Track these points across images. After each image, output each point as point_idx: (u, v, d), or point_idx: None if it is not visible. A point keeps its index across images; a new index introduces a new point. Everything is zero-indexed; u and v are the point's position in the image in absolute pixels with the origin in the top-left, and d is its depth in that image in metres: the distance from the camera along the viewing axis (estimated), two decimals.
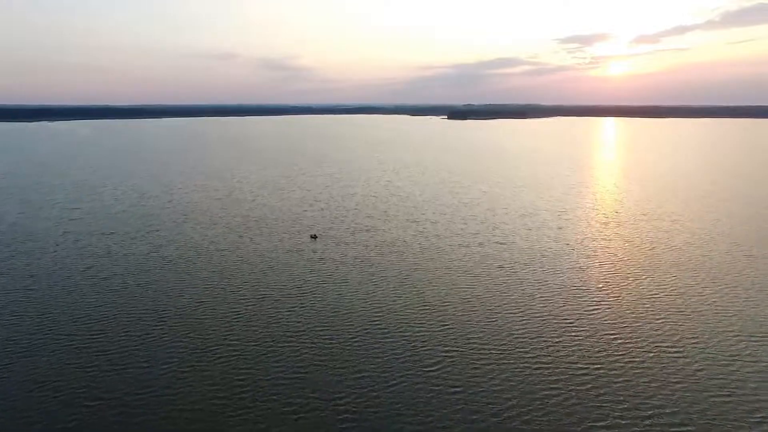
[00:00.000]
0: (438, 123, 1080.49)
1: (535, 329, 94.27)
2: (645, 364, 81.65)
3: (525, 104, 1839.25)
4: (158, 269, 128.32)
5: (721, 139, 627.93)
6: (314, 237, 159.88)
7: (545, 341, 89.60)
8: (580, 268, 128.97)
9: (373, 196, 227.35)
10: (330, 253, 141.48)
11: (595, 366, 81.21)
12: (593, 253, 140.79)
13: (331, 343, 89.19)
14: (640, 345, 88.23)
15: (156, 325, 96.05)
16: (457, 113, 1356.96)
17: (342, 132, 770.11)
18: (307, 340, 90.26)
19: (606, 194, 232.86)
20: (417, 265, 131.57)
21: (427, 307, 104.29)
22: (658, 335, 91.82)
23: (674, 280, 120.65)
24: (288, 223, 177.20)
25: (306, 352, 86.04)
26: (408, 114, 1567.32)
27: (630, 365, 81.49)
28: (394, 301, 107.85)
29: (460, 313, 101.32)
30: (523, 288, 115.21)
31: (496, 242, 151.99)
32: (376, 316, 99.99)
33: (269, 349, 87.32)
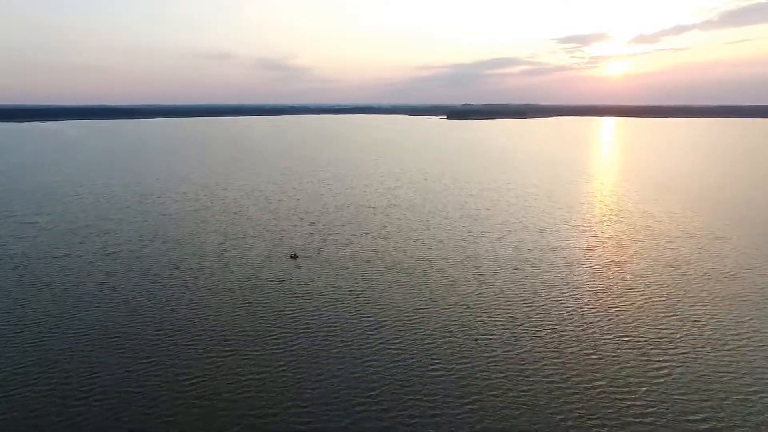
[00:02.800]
0: (437, 123, 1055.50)
1: (580, 400, 70.18)
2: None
3: (524, 104, 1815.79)
4: (106, 306, 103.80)
5: (729, 141, 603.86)
6: (295, 257, 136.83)
7: (593, 417, 65.58)
8: (624, 303, 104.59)
9: (371, 207, 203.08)
10: (316, 283, 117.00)
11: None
12: (635, 283, 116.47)
13: (310, 410, 65.18)
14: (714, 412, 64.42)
15: (95, 384, 71.79)
16: (457, 113, 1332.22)
17: (339, 132, 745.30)
18: (273, 419, 66.14)
19: (630, 203, 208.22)
20: (422, 300, 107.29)
21: (437, 363, 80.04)
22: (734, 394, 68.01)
23: (748, 322, 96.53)
24: (272, 242, 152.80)
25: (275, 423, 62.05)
26: (406, 114, 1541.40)
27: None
28: (393, 352, 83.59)
29: (478, 373, 77.13)
30: (557, 334, 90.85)
31: (517, 268, 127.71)
32: (370, 373, 75.80)
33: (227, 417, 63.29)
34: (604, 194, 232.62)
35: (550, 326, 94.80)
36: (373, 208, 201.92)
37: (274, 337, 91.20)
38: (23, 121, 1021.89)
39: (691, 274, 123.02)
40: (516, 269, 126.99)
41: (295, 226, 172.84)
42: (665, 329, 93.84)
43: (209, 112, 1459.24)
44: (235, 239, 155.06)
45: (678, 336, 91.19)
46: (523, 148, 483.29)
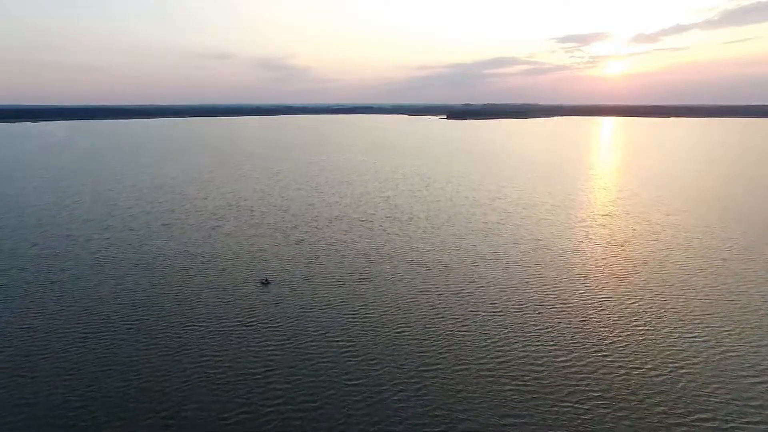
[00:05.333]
0: (438, 123, 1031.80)
1: None
2: None
3: (525, 104, 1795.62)
4: (32, 354, 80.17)
5: (740, 142, 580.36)
6: (266, 283, 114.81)
7: None
8: (683, 355, 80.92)
9: (367, 221, 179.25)
10: (291, 320, 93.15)
11: None
12: (690, 325, 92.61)
13: None
14: None
15: None
16: (457, 113, 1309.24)
17: (338, 133, 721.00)
18: None
19: (659, 215, 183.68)
20: (425, 354, 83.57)
21: None
22: None
23: None
24: (248, 266, 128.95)
25: None
26: (406, 114, 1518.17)
27: None
28: (388, 420, 60.05)
29: None
30: (604, 404, 67.14)
31: (543, 305, 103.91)
32: None
33: None
34: (627, 204, 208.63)
35: (592, 396, 71.11)
36: (370, 221, 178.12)
37: (232, 402, 67.46)
38: (13, 122, 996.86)
39: (756, 309, 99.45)
40: (542, 306, 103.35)
41: (278, 244, 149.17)
42: (732, 387, 70.25)
43: (207, 112, 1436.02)
44: (203, 263, 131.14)
45: (746, 393, 67.69)
46: (528, 150, 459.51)
